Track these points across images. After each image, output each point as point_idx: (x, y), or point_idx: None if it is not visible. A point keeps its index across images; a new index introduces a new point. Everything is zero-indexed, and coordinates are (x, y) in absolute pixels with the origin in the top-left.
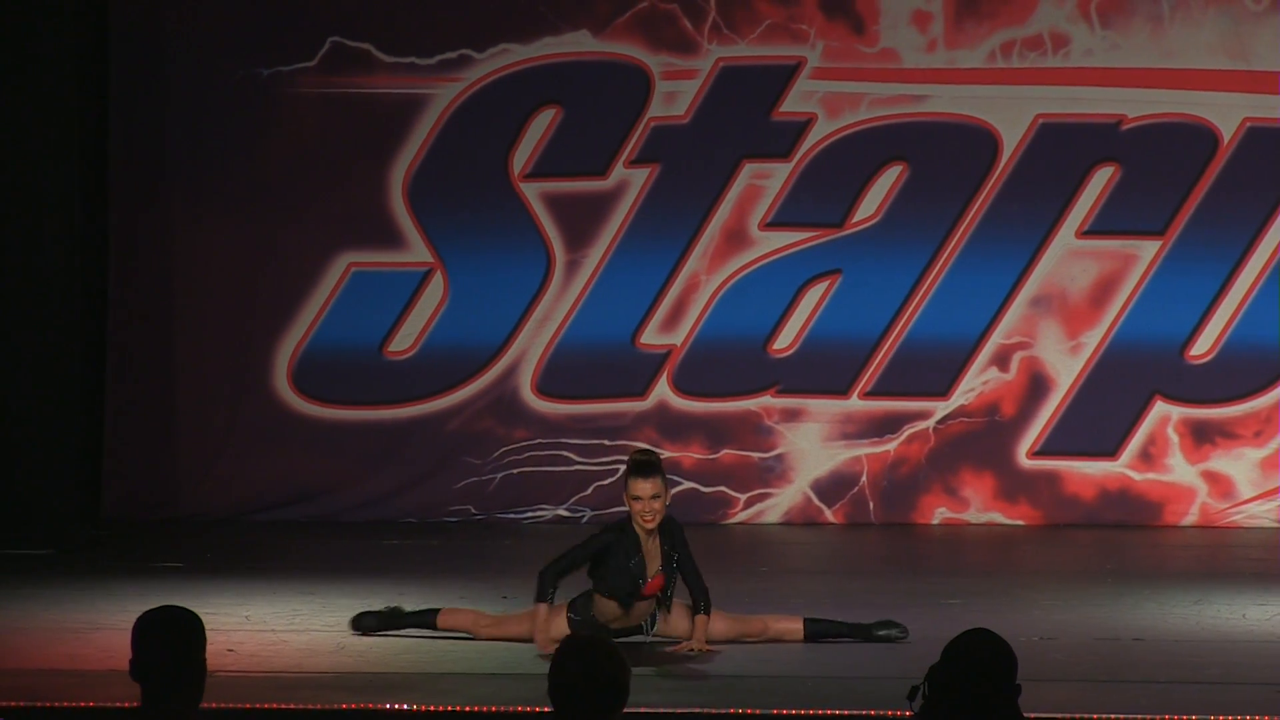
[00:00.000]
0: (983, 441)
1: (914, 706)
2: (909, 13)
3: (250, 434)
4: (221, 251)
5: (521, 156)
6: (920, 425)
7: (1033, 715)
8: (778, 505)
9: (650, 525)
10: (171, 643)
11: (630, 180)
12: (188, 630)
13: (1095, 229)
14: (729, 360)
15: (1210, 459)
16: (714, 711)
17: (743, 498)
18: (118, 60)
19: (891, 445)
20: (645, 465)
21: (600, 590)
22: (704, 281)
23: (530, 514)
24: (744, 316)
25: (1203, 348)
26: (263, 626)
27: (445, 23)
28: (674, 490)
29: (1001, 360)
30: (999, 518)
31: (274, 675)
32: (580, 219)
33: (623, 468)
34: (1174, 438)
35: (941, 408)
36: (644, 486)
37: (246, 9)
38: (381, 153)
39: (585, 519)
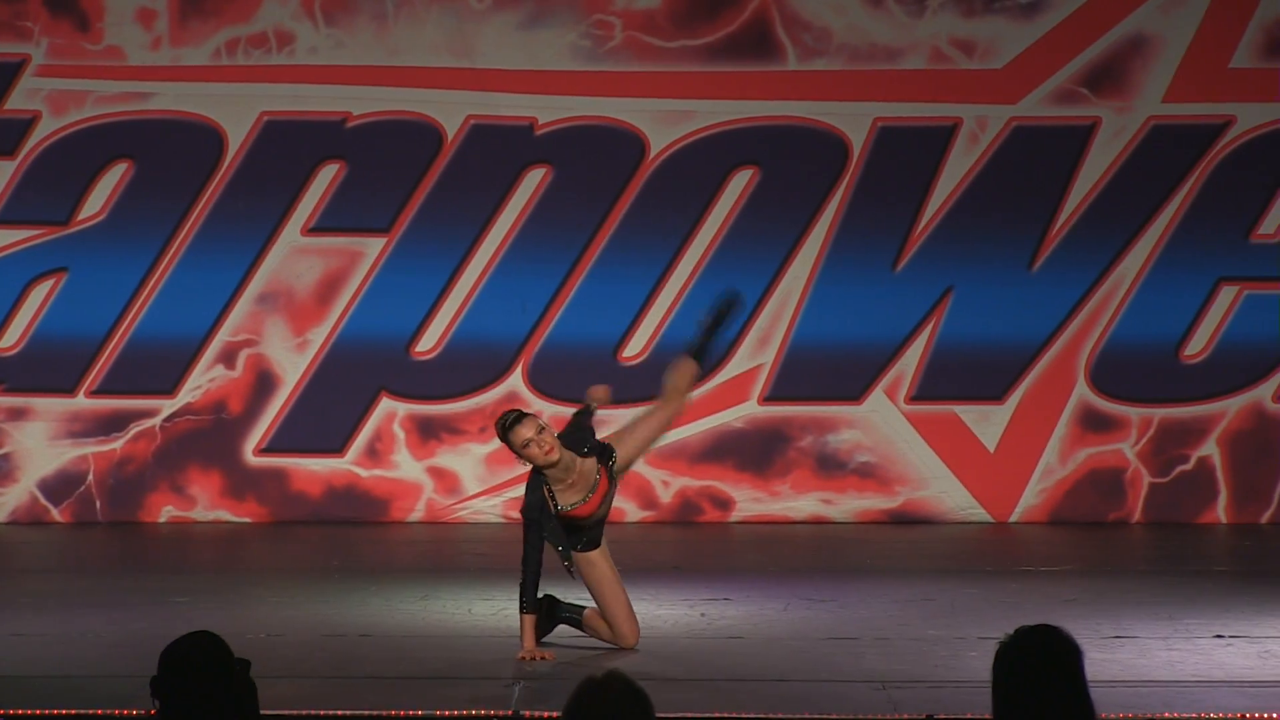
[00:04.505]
0: (210, 439)
1: (155, 705)
2: (134, 10)
3: None
4: None
5: None
6: (147, 423)
7: (268, 711)
8: (4, 504)
9: (554, 456)
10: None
11: None
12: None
13: (321, 226)
14: None
15: (436, 455)
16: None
17: None
18: None
19: (118, 443)
20: (519, 416)
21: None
22: None
23: None
24: None
25: (428, 344)
26: None
27: None
28: None
29: (228, 358)
30: (226, 515)
31: None
32: None
33: None
34: (400, 434)
35: (168, 405)
36: (524, 432)
37: None
38: None
39: None
